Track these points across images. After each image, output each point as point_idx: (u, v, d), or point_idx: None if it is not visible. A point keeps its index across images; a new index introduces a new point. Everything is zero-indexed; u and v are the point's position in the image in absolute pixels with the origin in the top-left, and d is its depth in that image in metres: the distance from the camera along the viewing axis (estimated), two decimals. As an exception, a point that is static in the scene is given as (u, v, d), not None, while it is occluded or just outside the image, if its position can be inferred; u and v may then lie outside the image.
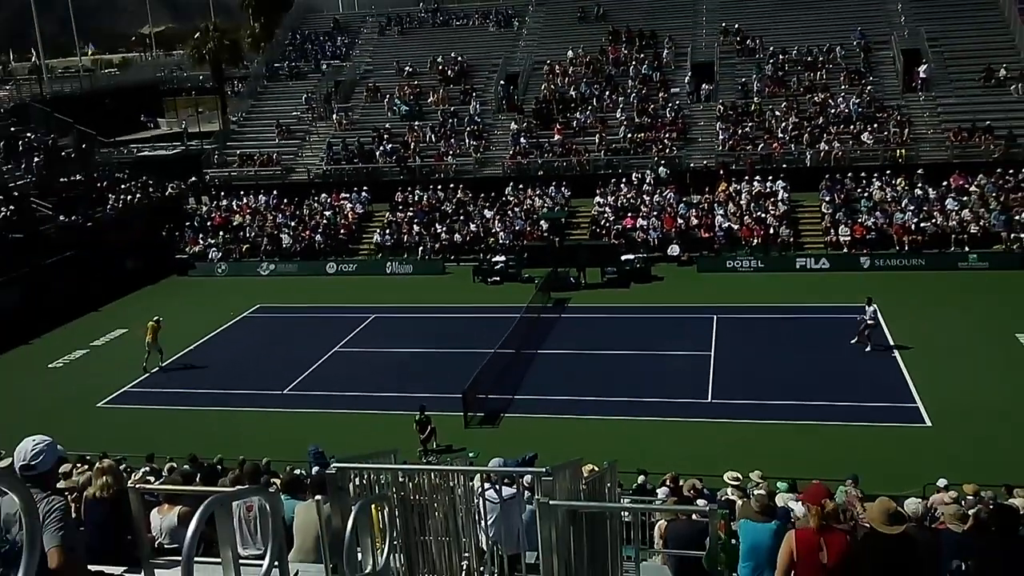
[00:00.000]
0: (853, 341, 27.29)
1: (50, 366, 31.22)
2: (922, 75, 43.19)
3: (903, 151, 40.28)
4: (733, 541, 8.42)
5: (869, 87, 43.69)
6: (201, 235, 43.62)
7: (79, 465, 13.71)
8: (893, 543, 6.94)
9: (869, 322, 27.06)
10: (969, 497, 14.31)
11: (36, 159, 44.43)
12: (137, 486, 6.58)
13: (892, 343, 27.41)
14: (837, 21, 48.57)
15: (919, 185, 38.30)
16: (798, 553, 6.67)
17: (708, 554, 7.31)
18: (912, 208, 36.96)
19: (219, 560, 4.97)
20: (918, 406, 23.33)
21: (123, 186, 45.70)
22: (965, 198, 37.27)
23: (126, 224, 42.08)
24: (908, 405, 23.48)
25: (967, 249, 35.24)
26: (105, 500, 6.99)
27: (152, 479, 14.59)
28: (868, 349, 26.94)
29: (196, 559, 4.40)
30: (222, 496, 4.99)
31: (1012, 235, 35.11)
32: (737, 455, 19.67)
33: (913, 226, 36.18)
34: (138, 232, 42.24)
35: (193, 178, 49.19)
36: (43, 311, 34.98)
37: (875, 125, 41.63)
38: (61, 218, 40.06)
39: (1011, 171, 37.90)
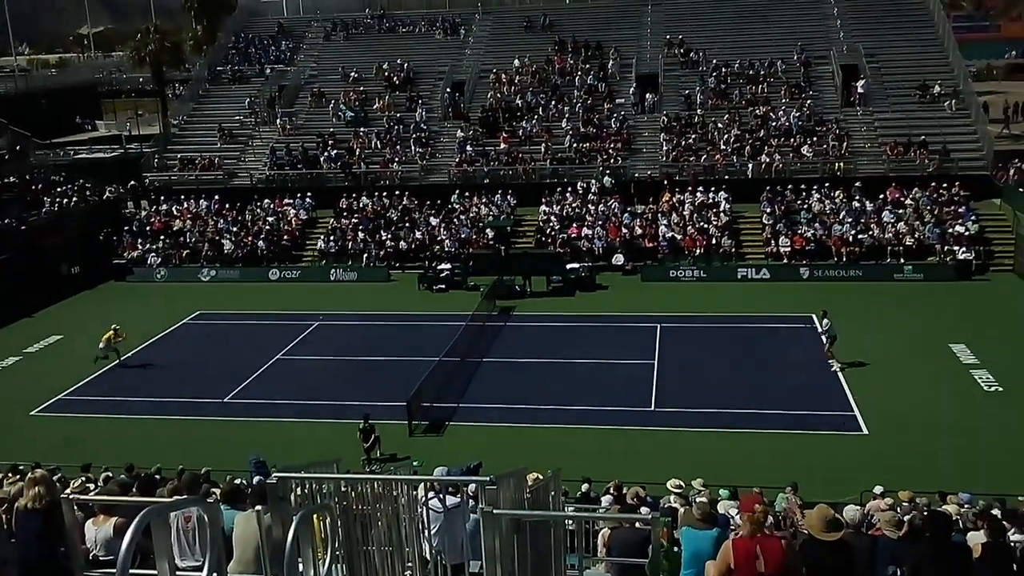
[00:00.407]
0: (834, 368, 26.60)
1: (-19, 373, 30.40)
2: (860, 90, 44.18)
3: (841, 164, 41.11)
4: (675, 549, 8.49)
5: (809, 101, 44.52)
6: (140, 240, 42.78)
7: (10, 475, 13.36)
8: (830, 550, 7.05)
9: (823, 337, 26.87)
10: (904, 504, 14.63)
11: (-32, 160, 43.31)
12: (72, 496, 6.43)
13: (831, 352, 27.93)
14: (778, 36, 49.48)
15: (857, 198, 39.11)
16: (736, 562, 6.77)
17: (651, 562, 7.36)
18: (850, 220, 37.72)
19: (156, 572, 4.87)
20: (855, 414, 23.78)
21: (59, 189, 44.70)
22: (901, 211, 38.15)
23: (62, 228, 41.14)
24: (846, 413, 23.92)
25: (902, 261, 36.06)
26: (37, 511, 6.79)
27: (91, 487, 14.28)
28: (834, 368, 26.53)
29: (132, 571, 4.31)
30: (158, 507, 4.90)
31: (945, 247, 36.02)
32: (680, 463, 19.85)
33: (851, 238, 36.93)
34: (74, 236, 41.32)
35: (132, 182, 48.25)
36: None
37: (814, 138, 42.44)
38: (-6, 221, 39.06)
39: (945, 185, 38.88)
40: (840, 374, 26.24)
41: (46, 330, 34.16)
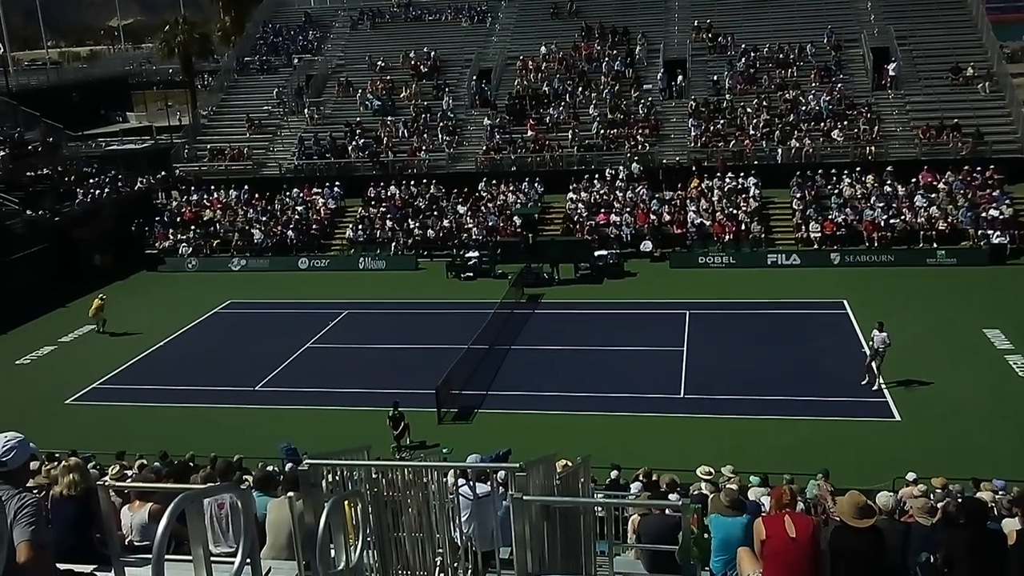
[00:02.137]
0: (863, 383, 24.46)
1: (17, 363, 30.80)
2: (891, 73, 43.61)
3: (873, 148, 40.64)
4: (705, 535, 8.46)
5: (839, 85, 44.04)
6: (171, 230, 43.20)
7: (47, 463, 13.55)
8: (862, 536, 7.01)
9: (879, 348, 24.06)
10: (938, 491, 14.51)
11: (2, 153, 43.86)
12: (108, 483, 6.52)
13: (862, 338, 27.69)
14: (808, 19, 48.94)
15: (888, 182, 38.66)
16: (767, 532, 6.84)
17: (681, 548, 7.35)
18: (881, 205, 37.31)
19: (191, 558, 4.93)
20: (887, 400, 23.58)
21: (91, 180, 45.20)
22: (933, 195, 37.68)
23: (95, 219, 41.60)
24: (878, 400, 23.71)
25: (935, 245, 35.64)
26: (72, 498, 6.90)
27: (128, 474, 14.49)
28: (865, 382, 24.41)
29: (167, 557, 4.37)
30: (193, 493, 4.96)
31: (979, 232, 35.55)
32: (709, 450, 19.78)
33: (882, 223, 36.53)
34: (107, 227, 41.79)
35: (163, 172, 48.70)
36: (10, 307, 34.52)
37: (845, 122, 41.97)
38: (28, 212, 39.56)
39: (978, 168, 38.33)
40: (885, 389, 24.23)
41: (80, 320, 34.53)
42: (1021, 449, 20.33)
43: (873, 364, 24.42)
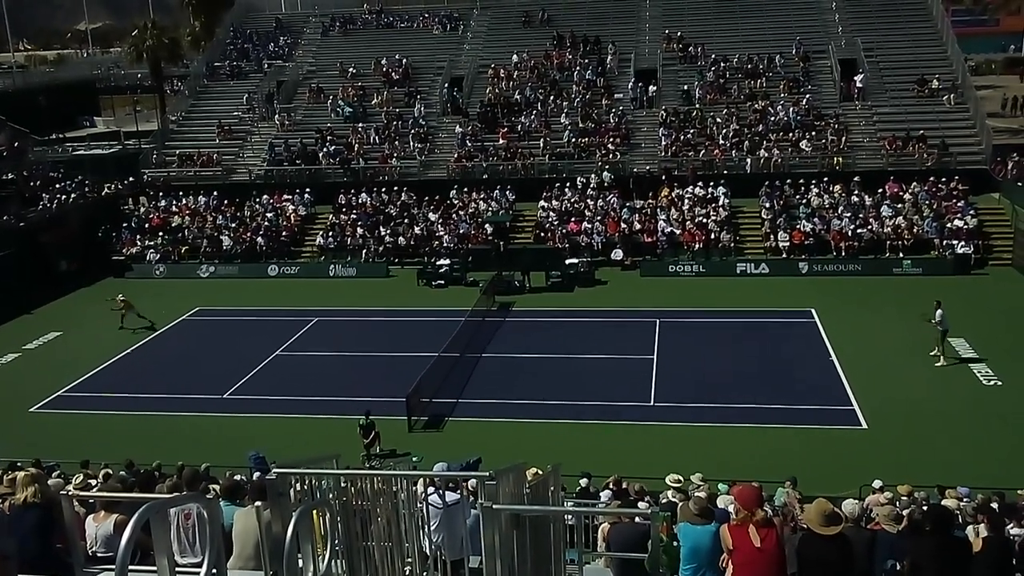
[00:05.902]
0: (933, 352, 26.66)
1: (-20, 370, 30.37)
2: (858, 84, 44.14)
3: (840, 159, 41.09)
4: (675, 543, 8.49)
5: (807, 95, 44.48)
6: (139, 236, 42.74)
7: (8, 472, 13.35)
8: (829, 544, 7.07)
9: (939, 328, 26.46)
10: (904, 498, 14.65)
11: (-34, 157, 43.26)
12: (72, 492, 6.43)
13: (829, 347, 27.96)
14: (777, 30, 49.42)
15: (855, 192, 39.09)
16: (734, 544, 6.88)
17: (650, 556, 7.37)
18: (849, 215, 37.71)
19: (155, 569, 4.88)
20: (854, 408, 23.80)
21: (58, 185, 44.69)
22: (900, 205, 38.13)
23: (61, 224, 41.09)
24: (845, 408, 23.94)
25: (901, 255, 36.05)
26: (32, 508, 6.80)
27: (92, 483, 14.29)
28: (939, 363, 26.37)
29: (132, 567, 4.32)
30: (158, 503, 4.90)
31: (944, 242, 36.01)
32: (679, 458, 19.87)
33: (850, 232, 36.92)
34: (73, 233, 41.29)
35: (131, 178, 48.20)
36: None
37: (813, 133, 42.41)
38: (-8, 218, 39.01)
39: (943, 179, 38.87)
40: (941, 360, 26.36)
41: (45, 327, 34.14)
42: (986, 457, 20.63)
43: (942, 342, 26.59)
